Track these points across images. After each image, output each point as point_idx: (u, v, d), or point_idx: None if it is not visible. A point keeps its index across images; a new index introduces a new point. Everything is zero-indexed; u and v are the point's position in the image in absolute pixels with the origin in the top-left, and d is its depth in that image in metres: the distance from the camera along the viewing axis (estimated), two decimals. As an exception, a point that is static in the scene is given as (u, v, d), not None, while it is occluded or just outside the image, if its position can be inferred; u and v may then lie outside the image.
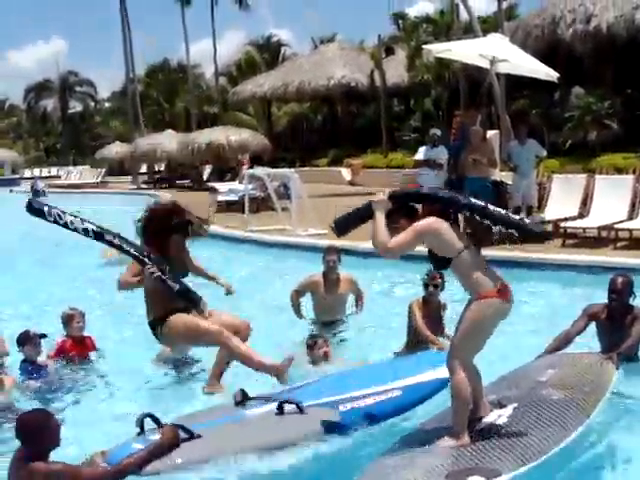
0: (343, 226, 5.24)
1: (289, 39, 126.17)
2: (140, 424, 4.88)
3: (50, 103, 72.58)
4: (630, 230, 11.89)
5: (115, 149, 47.35)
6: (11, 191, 40.79)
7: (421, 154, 14.47)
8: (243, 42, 57.58)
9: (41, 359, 6.82)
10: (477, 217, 4.90)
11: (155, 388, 6.63)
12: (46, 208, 6.06)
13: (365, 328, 8.17)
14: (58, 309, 7.52)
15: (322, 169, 32.43)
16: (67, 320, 7.19)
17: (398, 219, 4.87)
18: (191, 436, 4.74)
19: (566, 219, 12.47)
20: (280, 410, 5.08)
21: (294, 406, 5.08)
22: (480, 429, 4.78)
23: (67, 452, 4.44)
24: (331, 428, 5.02)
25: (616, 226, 11.83)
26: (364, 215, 5.00)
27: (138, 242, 6.29)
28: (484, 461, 4.39)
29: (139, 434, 4.86)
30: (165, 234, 6.20)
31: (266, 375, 5.98)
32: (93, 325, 7.46)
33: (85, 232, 6.01)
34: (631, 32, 20.90)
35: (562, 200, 13.02)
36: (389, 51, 36.36)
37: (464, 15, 26.06)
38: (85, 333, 7.29)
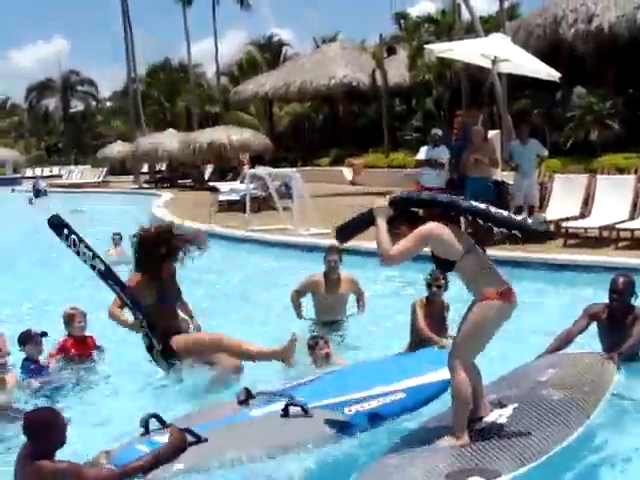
0: (345, 233, 5.27)
1: (290, 39, 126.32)
2: (145, 424, 4.86)
3: (52, 102, 72.68)
4: (631, 230, 11.89)
5: (116, 148, 47.40)
6: (13, 190, 40.85)
7: (422, 154, 14.44)
8: (244, 42, 57.75)
9: (42, 358, 6.83)
10: (480, 220, 4.90)
11: (157, 387, 6.62)
12: (66, 230, 6.09)
13: (366, 328, 8.17)
14: (58, 309, 7.53)
15: (323, 169, 32.43)
16: (68, 319, 7.20)
17: (399, 225, 4.86)
18: (198, 440, 4.70)
19: (567, 219, 12.48)
20: (285, 412, 5.06)
21: (299, 408, 5.07)
22: (480, 429, 4.78)
23: (69, 451, 4.44)
24: (337, 431, 5.01)
25: (617, 226, 11.83)
26: (366, 222, 5.01)
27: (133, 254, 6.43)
28: (484, 461, 4.39)
29: (143, 434, 4.84)
30: (156, 260, 6.31)
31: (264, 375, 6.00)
32: (94, 325, 7.46)
33: (92, 267, 6.08)
34: (633, 32, 20.87)
35: (563, 200, 13.02)
36: (391, 51, 36.34)
37: (466, 15, 26.03)
38: (86, 333, 7.30)
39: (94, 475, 4.32)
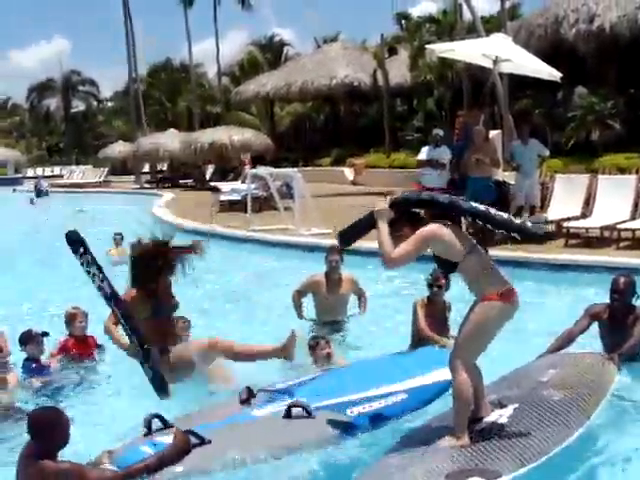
0: (347, 238, 5.29)
1: (292, 39, 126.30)
2: (147, 424, 4.85)
3: (53, 102, 72.70)
4: (633, 230, 11.88)
5: (118, 148, 47.40)
6: (14, 190, 40.85)
7: (424, 154, 14.43)
8: (246, 42, 57.79)
9: (44, 358, 6.84)
10: (479, 222, 4.90)
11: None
12: (82, 248, 6.10)
13: (368, 328, 8.17)
14: (59, 309, 7.53)
15: (325, 169, 32.43)
16: (70, 319, 7.21)
17: (401, 227, 4.84)
18: (202, 442, 4.68)
19: (569, 219, 12.47)
20: (288, 413, 5.06)
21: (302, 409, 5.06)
22: (481, 429, 4.78)
23: (70, 450, 4.44)
24: (339, 432, 5.01)
25: (619, 226, 11.82)
26: (367, 225, 5.01)
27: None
28: (484, 462, 4.39)
29: (146, 434, 4.83)
30: (152, 276, 6.32)
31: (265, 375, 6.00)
32: (95, 324, 7.46)
33: (98, 288, 6.12)
34: (634, 32, 20.88)
35: (565, 200, 13.02)
36: (392, 51, 36.35)
37: (467, 15, 26.09)
38: (87, 332, 7.30)
39: (97, 476, 4.31)
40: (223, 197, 22.19)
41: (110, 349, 7.42)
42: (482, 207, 4.91)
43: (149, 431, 4.84)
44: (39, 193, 34.16)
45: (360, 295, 8.26)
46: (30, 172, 56.84)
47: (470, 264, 4.75)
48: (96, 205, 27.78)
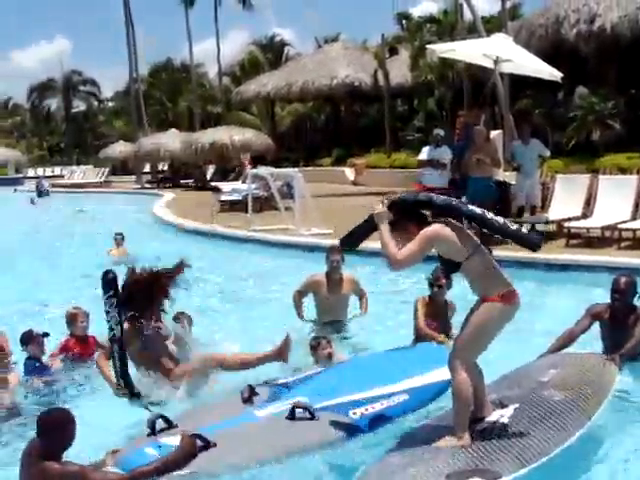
0: (350, 243, 5.32)
1: (292, 39, 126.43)
2: (151, 425, 4.83)
3: (54, 102, 72.74)
4: (634, 230, 11.88)
5: (118, 148, 47.38)
6: (15, 190, 40.84)
7: (424, 154, 14.43)
8: (246, 42, 57.75)
9: (45, 358, 6.83)
10: (476, 224, 4.91)
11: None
12: (112, 291, 6.10)
13: (368, 328, 8.16)
14: (59, 309, 7.52)
15: (325, 169, 32.43)
16: (71, 319, 7.20)
17: (403, 227, 4.81)
18: (207, 444, 4.66)
19: (569, 219, 12.47)
20: (291, 415, 5.05)
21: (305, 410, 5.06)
22: (481, 429, 4.78)
23: (72, 451, 4.43)
24: (342, 434, 5.02)
25: (620, 226, 11.82)
26: (368, 228, 5.02)
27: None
28: (485, 462, 4.39)
29: (150, 435, 4.81)
30: (147, 304, 6.32)
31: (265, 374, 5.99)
32: (96, 325, 7.45)
33: (110, 329, 6.11)
34: (635, 32, 20.87)
35: (565, 200, 13.00)
36: (393, 51, 36.34)
37: (468, 15, 26.09)
38: (88, 332, 7.29)
39: (100, 478, 4.31)
40: (224, 197, 22.18)
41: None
42: (479, 210, 4.89)
43: (153, 431, 4.82)
44: (40, 193, 34.18)
45: (361, 295, 8.25)
46: (31, 172, 56.82)
47: (473, 264, 4.74)
48: (97, 205, 27.80)
